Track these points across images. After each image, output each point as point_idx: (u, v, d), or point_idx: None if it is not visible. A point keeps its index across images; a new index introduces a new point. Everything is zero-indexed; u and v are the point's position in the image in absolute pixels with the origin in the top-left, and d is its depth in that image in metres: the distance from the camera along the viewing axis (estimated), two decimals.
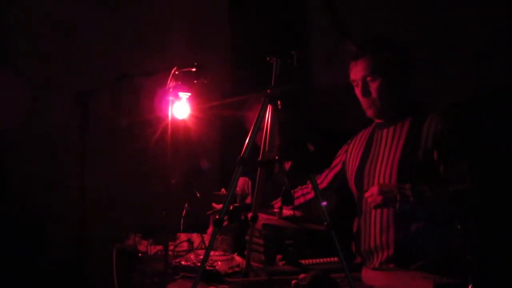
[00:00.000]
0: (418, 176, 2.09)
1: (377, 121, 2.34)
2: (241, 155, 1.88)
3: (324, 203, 2.26)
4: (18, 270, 3.39)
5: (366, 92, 2.26)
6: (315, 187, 1.89)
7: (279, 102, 1.96)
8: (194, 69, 2.41)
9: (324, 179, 2.53)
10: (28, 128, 3.61)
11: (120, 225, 3.18)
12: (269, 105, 1.97)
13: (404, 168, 2.13)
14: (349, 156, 2.43)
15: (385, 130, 2.29)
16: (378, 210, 2.16)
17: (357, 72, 2.27)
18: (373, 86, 2.24)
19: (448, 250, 2.05)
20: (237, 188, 2.70)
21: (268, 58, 1.98)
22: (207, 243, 2.47)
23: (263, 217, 2.35)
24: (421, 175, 2.10)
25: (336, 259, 2.24)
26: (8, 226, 3.43)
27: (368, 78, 2.24)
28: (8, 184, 3.56)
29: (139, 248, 2.67)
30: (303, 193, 2.52)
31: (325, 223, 1.84)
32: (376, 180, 2.21)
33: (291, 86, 1.97)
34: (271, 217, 2.43)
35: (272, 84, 1.97)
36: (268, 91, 1.96)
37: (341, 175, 2.47)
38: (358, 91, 2.30)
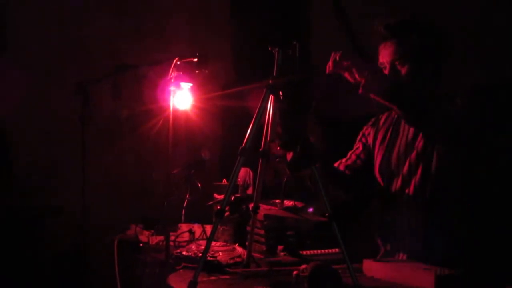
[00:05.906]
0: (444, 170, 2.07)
1: None
2: (243, 145, 1.87)
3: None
4: (20, 260, 3.40)
5: (393, 76, 2.13)
6: (316, 178, 1.87)
7: (280, 92, 1.94)
8: (195, 59, 2.40)
9: (348, 158, 2.42)
10: (29, 118, 3.61)
11: (121, 216, 3.18)
12: (270, 95, 1.95)
13: (430, 161, 2.09)
14: (372, 139, 2.34)
15: None
16: (408, 208, 2.13)
17: (385, 55, 2.16)
18: (401, 72, 2.13)
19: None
20: (239, 179, 2.69)
21: (270, 48, 1.96)
22: (208, 233, 2.47)
23: (264, 208, 2.35)
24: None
25: (337, 250, 2.23)
26: (10, 216, 3.44)
27: (397, 63, 2.13)
28: (10, 174, 3.57)
29: (140, 238, 2.67)
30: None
31: (327, 214, 1.83)
32: (405, 171, 2.16)
33: (293, 76, 1.95)
34: (273, 207, 2.43)
35: (274, 74, 1.95)
36: (270, 81, 1.94)
37: (364, 154, 2.38)
38: None
